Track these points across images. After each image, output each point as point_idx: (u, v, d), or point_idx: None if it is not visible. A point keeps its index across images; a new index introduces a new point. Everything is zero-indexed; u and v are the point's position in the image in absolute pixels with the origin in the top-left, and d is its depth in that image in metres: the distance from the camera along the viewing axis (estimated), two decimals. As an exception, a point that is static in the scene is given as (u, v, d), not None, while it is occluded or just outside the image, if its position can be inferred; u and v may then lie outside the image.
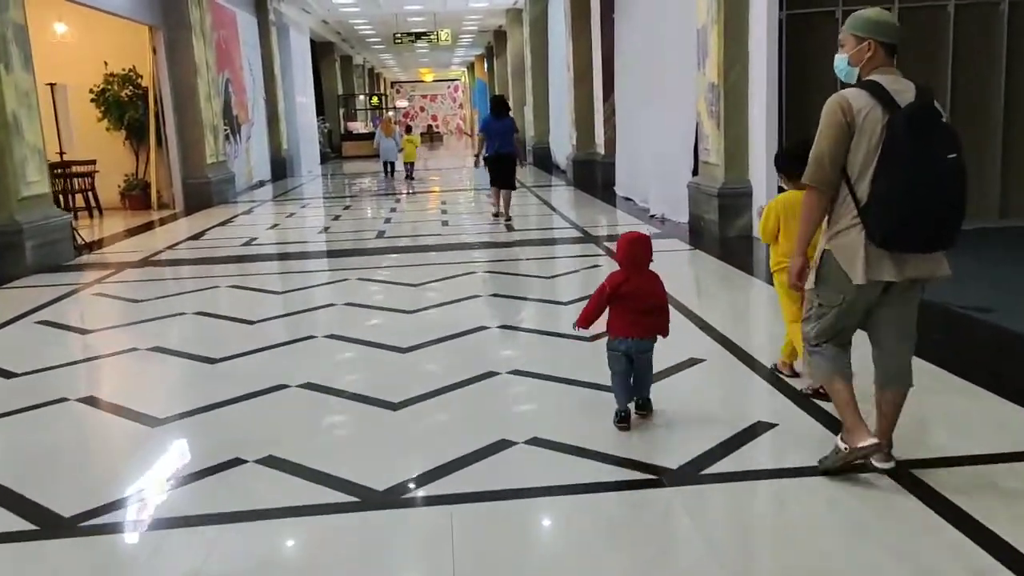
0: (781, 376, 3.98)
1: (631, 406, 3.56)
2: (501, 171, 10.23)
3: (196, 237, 9.91)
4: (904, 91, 2.74)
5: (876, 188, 2.68)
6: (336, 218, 11.72)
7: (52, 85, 8.52)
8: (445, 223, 10.42)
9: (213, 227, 10.90)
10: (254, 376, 4.36)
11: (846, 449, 2.86)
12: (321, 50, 30.32)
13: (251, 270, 7.67)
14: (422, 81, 54.07)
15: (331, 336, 5.16)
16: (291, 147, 21.07)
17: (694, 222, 9.02)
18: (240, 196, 15.55)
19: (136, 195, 13.50)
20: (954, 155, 2.66)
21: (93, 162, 12.82)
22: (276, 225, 10.86)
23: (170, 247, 9.11)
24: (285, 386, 4.16)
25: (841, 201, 2.81)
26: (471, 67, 44.44)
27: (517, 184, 10.70)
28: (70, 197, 12.44)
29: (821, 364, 2.99)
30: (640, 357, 3.52)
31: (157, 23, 12.80)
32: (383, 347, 4.83)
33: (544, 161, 20.07)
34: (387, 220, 11.05)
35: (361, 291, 6.55)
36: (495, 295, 6.09)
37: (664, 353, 3.78)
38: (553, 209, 11.70)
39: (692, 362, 4.26)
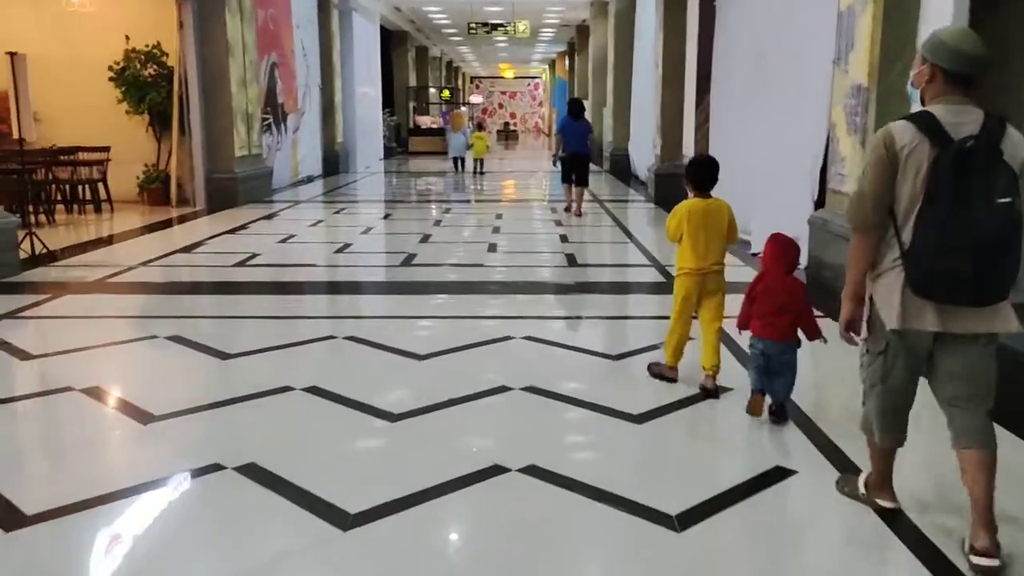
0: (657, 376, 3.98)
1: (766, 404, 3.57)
2: (575, 170, 10.80)
3: (191, 248, 8.15)
4: (965, 124, 2.46)
5: (915, 231, 2.49)
6: (367, 231, 9.83)
7: (12, 54, 6.79)
8: (493, 247, 8.40)
9: (221, 234, 9.16)
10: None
11: (863, 495, 2.84)
12: (394, 40, 28.79)
13: (213, 308, 5.82)
14: (502, 77, 52.47)
15: (244, 472, 3.15)
16: (347, 141, 19.43)
17: (814, 269, 6.78)
18: (281, 193, 13.91)
19: (155, 189, 11.91)
20: (1008, 199, 2.38)
21: (105, 149, 11.29)
22: (291, 237, 9.02)
23: (151, 261, 7.35)
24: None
25: (887, 241, 2.60)
26: (552, 65, 42.56)
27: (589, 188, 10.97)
28: (79, 189, 10.93)
29: (867, 414, 2.77)
30: (777, 359, 3.50)
31: (185, -7, 11.21)
32: (322, 517, 2.81)
33: (622, 170, 17.90)
34: (425, 237, 9.09)
35: (338, 363, 4.57)
36: (530, 389, 4.04)
37: None
38: (628, 235, 9.56)
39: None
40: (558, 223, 10.48)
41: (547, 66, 46.02)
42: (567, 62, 34.52)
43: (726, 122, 10.09)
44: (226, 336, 5.01)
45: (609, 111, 19.26)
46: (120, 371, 4.41)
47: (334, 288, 6.63)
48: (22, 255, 7.13)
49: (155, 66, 11.67)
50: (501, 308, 5.80)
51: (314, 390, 3.98)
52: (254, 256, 7.69)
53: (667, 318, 4.15)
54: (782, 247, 3.55)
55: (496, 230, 9.75)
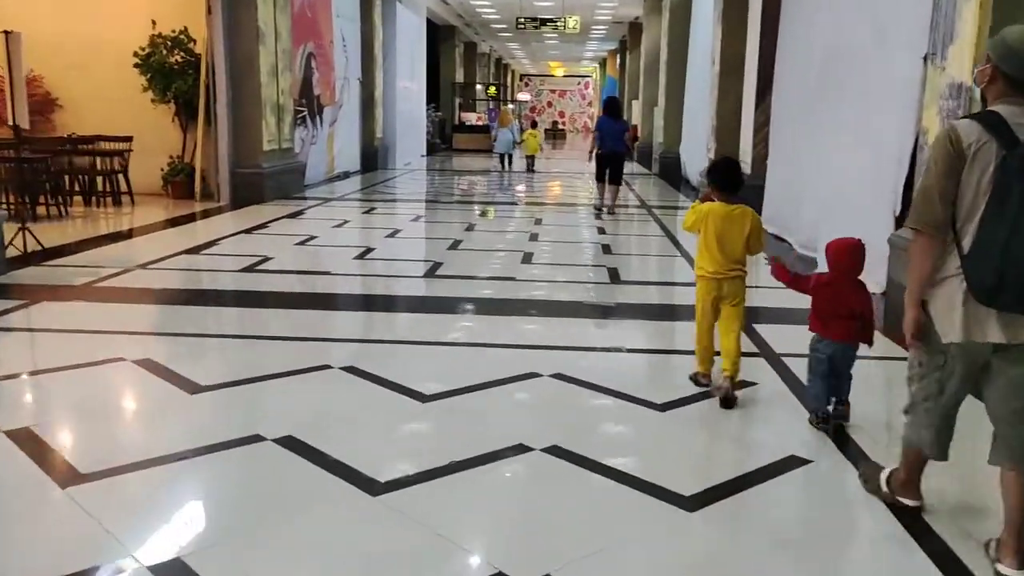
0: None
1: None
2: (610, 168, 11.00)
3: (200, 249, 7.51)
4: None
5: (978, 235, 2.36)
6: (393, 234, 9.10)
7: (7, 33, 6.20)
8: (528, 258, 7.60)
9: (237, 233, 8.52)
10: None
11: (887, 492, 2.82)
12: (442, 34, 28.18)
13: (200, 324, 5.11)
14: (551, 76, 51.63)
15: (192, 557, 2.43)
16: (387, 136, 18.80)
17: (894, 295, 5.84)
18: (314, 189, 13.30)
19: (180, 182, 11.36)
20: None
21: (127, 139, 10.76)
22: (311, 239, 8.32)
23: (151, 263, 6.71)
24: None
25: (945, 248, 2.47)
26: (603, 63, 41.58)
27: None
28: (99, 180, 10.42)
29: (909, 431, 2.71)
30: (842, 361, 3.50)
31: (215, -24, 10.63)
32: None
33: (672, 174, 16.96)
34: (456, 244, 8.33)
35: (326, 404, 3.80)
36: (554, 451, 3.25)
37: None
38: (677, 246, 8.67)
39: None
40: (601, 231, 9.65)
41: (598, 64, 45.06)
42: (618, 60, 33.58)
43: (790, 125, 9.15)
44: (204, 361, 4.31)
45: (660, 111, 18.33)
46: (67, 407, 3.72)
47: (344, 303, 5.88)
48: (13, 252, 6.55)
49: (182, 53, 11.11)
50: (530, 334, 5.00)
51: (287, 443, 3.23)
52: (265, 260, 7.01)
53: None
54: (850, 251, 3.50)
55: (534, 237, 8.95)
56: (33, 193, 8.99)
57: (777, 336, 4.88)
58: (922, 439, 2.64)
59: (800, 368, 3.93)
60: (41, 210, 9.16)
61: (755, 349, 4.69)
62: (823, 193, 7.32)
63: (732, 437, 3.55)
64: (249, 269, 6.63)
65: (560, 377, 4.10)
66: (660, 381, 4.34)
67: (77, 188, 10.48)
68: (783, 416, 3.75)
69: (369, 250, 7.80)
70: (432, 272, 6.77)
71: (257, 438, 3.28)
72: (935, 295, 2.48)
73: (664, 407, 3.76)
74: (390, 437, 3.39)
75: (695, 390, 3.99)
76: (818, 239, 7.34)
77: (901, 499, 2.79)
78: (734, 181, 3.90)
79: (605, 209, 11.01)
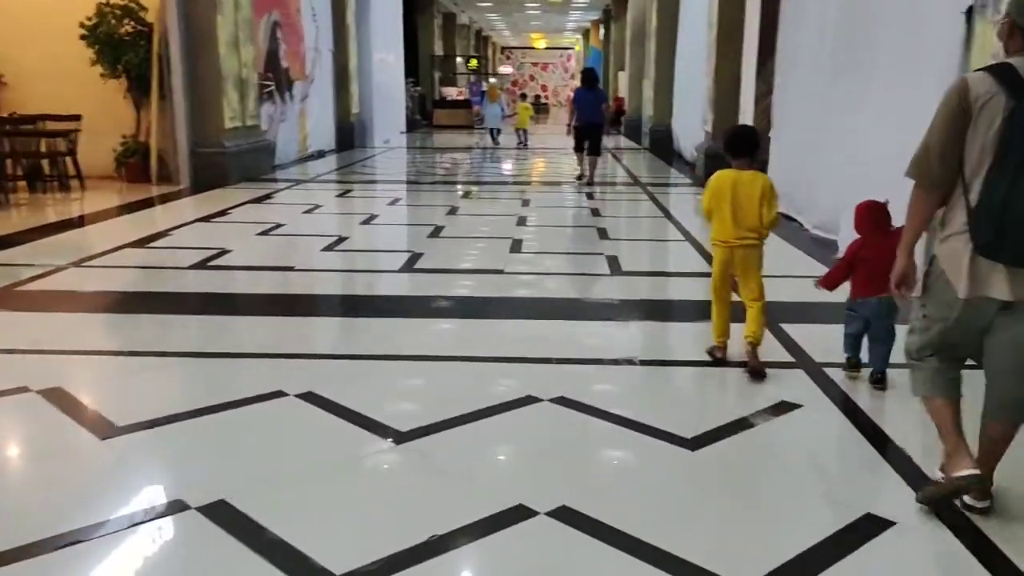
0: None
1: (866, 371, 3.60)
2: (588, 138, 11.00)
3: (147, 241, 6.67)
4: None
5: (982, 189, 2.35)
6: (369, 220, 8.28)
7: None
8: (517, 245, 6.82)
9: (192, 222, 7.68)
10: None
11: (943, 479, 2.56)
12: (419, 4, 27.08)
13: (130, 338, 4.26)
14: (533, 48, 50.48)
15: None
16: (364, 112, 17.87)
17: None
18: (285, 170, 12.44)
19: (134, 163, 10.45)
20: None
21: (75, 118, 9.83)
22: (277, 227, 7.50)
23: (87, 259, 5.87)
24: None
25: (954, 202, 2.45)
26: (586, 34, 40.58)
27: (603, 151, 11.71)
28: (50, 163, 9.51)
29: (919, 379, 2.65)
30: (878, 323, 3.50)
31: (165, -62, 9.68)
32: None
33: (663, 148, 16.18)
34: (437, 230, 7.52)
35: (274, 448, 3.02)
36: (562, 514, 2.51)
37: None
38: (678, 228, 7.92)
39: None
40: (595, 212, 8.89)
41: (581, 36, 44.02)
42: (602, 31, 32.61)
43: (798, 97, 8.39)
44: (127, 389, 3.51)
45: (650, 83, 17.50)
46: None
47: (306, 306, 5.02)
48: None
49: (132, 22, 10.16)
50: (523, 343, 4.23)
51: (217, 510, 2.47)
52: (221, 254, 6.19)
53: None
54: (873, 211, 3.56)
55: (522, 221, 8.16)
56: None
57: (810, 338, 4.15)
58: (936, 385, 2.58)
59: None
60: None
61: (791, 358, 3.96)
62: (845, 173, 6.57)
63: (791, 493, 2.82)
64: (201, 265, 5.81)
65: (563, 402, 3.35)
66: (684, 403, 3.59)
67: (20, 173, 9.58)
68: (849, 461, 3.04)
69: (340, 240, 6.98)
70: (410, 265, 5.97)
71: (179, 506, 2.52)
72: (944, 252, 2.47)
73: (695, 443, 3.01)
74: (349, 502, 2.63)
75: (727, 416, 3.26)
76: (839, 222, 6.62)
77: (959, 474, 2.45)
78: (745, 145, 3.80)
79: (585, 179, 11.12)
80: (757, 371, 3.64)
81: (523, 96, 20.52)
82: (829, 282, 3.70)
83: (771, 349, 3.96)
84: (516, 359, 3.95)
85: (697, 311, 4.59)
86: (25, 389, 3.37)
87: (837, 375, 3.69)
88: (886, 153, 6.07)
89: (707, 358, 3.89)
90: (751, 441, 3.08)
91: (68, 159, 9.69)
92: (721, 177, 3.77)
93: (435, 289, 5.36)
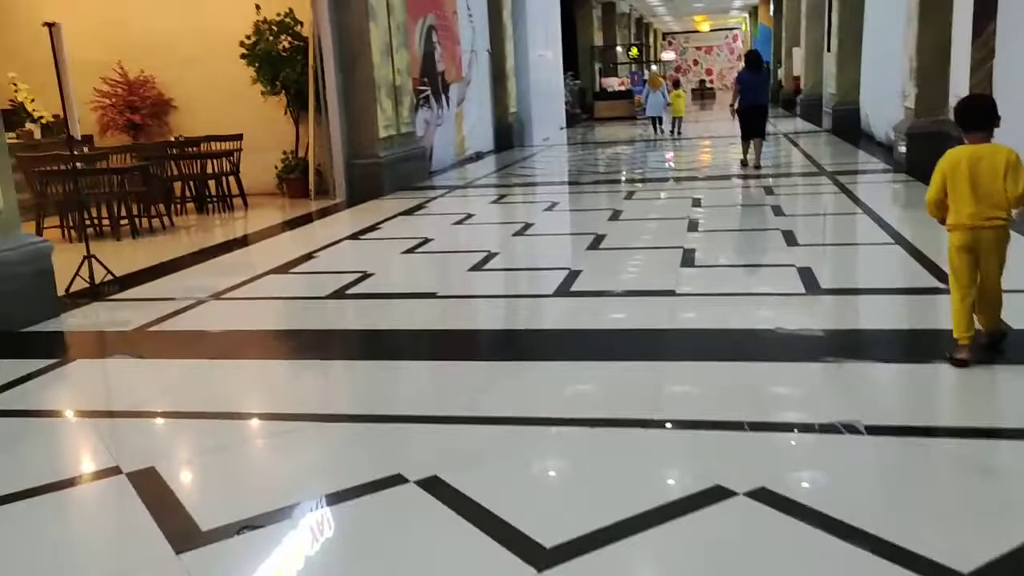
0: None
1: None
2: (753, 122, 10.90)
3: (291, 266, 6.33)
4: None
5: None
6: (523, 230, 7.64)
7: (50, 25, 5.21)
8: (689, 257, 5.91)
9: (339, 241, 7.35)
10: None
11: None
12: (577, -3, 26.36)
13: (240, 399, 3.79)
14: (697, 31, 48.37)
15: None
16: (522, 111, 17.39)
17: None
18: (442, 175, 12.14)
19: (295, 179, 10.44)
20: None
21: (237, 138, 9.91)
22: (422, 243, 7.00)
23: (227, 291, 5.57)
24: None
25: None
26: (754, 12, 38.20)
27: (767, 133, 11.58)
28: (215, 184, 9.62)
29: None
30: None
31: (316, -51, 9.52)
32: None
33: (849, 129, 14.52)
34: (597, 240, 6.74)
35: (383, 566, 2.42)
36: None
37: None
38: (882, 227, 6.68)
39: None
40: (777, 210, 7.79)
41: (747, 15, 41.59)
42: (772, 6, 30.46)
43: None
44: (225, 472, 3.00)
45: (832, 57, 15.81)
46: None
47: (438, 347, 4.31)
48: (81, 284, 5.62)
49: (289, 37, 10.11)
50: (701, 398, 3.39)
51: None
52: (363, 278, 5.74)
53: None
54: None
55: (693, 225, 7.22)
56: (113, 207, 8.16)
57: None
58: None
59: None
60: (155, 221, 8.40)
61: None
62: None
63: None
64: (339, 293, 5.37)
65: (763, 498, 2.49)
66: (942, 503, 2.62)
67: (189, 195, 9.76)
68: None
69: (489, 256, 6.36)
70: (565, 287, 5.23)
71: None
72: None
73: (974, 576, 2.08)
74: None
75: (1014, 536, 2.28)
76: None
77: None
78: (982, 117, 3.44)
79: (751, 163, 10.94)
80: (1001, 334, 3.51)
81: (676, 83, 19.27)
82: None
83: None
84: (692, 424, 3.11)
85: (928, 344, 3.55)
86: (115, 471, 2.92)
87: None
88: None
89: (968, 423, 2.89)
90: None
91: (231, 178, 9.76)
92: (954, 155, 3.42)
93: (592, 319, 4.60)
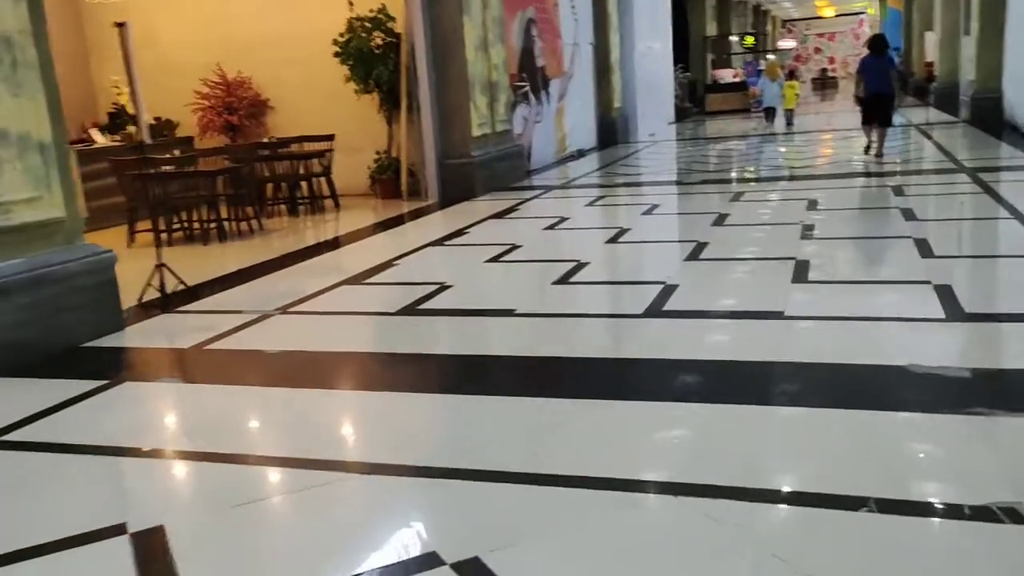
0: None
1: None
2: (878, 110, 10.49)
3: (367, 276, 6.00)
4: None
5: None
6: (617, 236, 7.06)
7: (120, 25, 5.04)
8: (802, 271, 5.21)
9: (423, 247, 6.98)
10: None
11: None
12: (690, -15, 25.34)
13: (275, 439, 3.39)
14: (819, 17, 45.93)
15: None
16: (626, 105, 16.70)
17: None
18: (542, 174, 11.72)
19: (387, 180, 10.20)
20: None
21: (329, 138, 9.75)
22: (511, 250, 6.54)
23: (297, 303, 5.26)
24: None
25: None
26: (882, -5, 35.84)
27: (894, 121, 11.19)
28: (301, 186, 9.50)
29: None
30: None
31: (408, -58, 9.22)
32: None
33: (989, 119, 13.13)
34: (698, 249, 6.10)
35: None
36: None
37: None
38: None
39: None
40: (907, 214, 6.91)
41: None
42: (903, -12, 28.43)
43: None
44: (237, 533, 2.61)
45: (972, 40, 14.38)
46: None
47: (502, 378, 3.76)
48: (152, 294, 5.46)
49: (382, 34, 9.85)
50: (815, 462, 2.78)
51: None
52: (440, 291, 5.32)
53: None
54: None
55: (808, 232, 6.46)
56: (185, 212, 8.06)
57: None
58: None
59: None
60: (244, 225, 8.31)
61: None
62: None
63: None
64: (410, 309, 4.97)
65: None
66: None
67: (282, 196, 9.67)
68: None
69: (577, 268, 5.81)
70: (658, 306, 4.64)
71: None
72: None
73: None
74: None
75: None
76: None
77: None
78: None
79: (873, 150, 10.65)
80: None
81: (790, 74, 18.55)
82: None
83: None
84: (797, 498, 2.51)
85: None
86: (120, 530, 2.54)
87: None
88: None
89: None
90: None
91: (323, 179, 9.60)
92: None
93: (685, 347, 4.00)
